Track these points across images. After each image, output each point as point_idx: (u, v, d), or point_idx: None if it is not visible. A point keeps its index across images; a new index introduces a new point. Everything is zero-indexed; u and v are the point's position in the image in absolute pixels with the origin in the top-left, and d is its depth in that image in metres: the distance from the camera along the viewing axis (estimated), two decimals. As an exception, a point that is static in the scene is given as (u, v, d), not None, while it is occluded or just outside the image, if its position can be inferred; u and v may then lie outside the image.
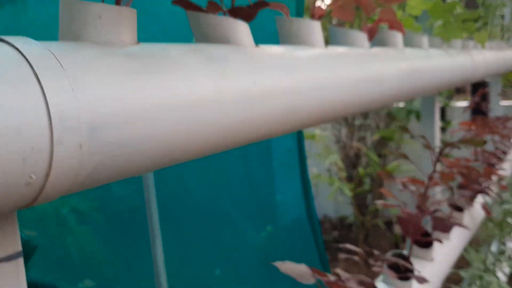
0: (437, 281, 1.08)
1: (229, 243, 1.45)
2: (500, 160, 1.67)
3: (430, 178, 1.01)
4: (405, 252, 1.00)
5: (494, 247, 1.51)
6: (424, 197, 0.98)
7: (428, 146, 1.03)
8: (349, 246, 0.83)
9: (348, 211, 3.19)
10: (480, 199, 1.43)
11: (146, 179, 1.09)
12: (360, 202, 3.09)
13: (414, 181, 1.01)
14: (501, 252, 1.43)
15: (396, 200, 0.97)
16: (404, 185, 1.00)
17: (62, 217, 1.69)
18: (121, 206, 1.52)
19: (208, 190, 1.42)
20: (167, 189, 1.34)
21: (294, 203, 1.45)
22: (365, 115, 3.13)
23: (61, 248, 1.60)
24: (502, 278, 1.39)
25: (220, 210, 1.42)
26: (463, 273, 1.22)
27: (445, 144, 1.02)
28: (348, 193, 2.88)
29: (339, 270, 0.66)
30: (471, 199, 1.37)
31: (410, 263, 0.92)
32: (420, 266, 1.02)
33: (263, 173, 1.49)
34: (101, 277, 1.50)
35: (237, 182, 1.42)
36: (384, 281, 0.92)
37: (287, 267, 0.64)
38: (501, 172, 1.52)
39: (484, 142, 1.10)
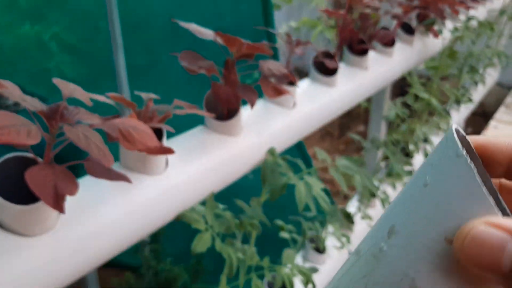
0: (371, 88, 1.19)
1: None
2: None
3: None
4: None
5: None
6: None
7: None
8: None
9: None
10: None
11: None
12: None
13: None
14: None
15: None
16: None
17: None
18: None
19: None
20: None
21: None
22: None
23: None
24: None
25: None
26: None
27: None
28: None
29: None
30: (428, 26, 1.42)
31: (336, 61, 1.02)
32: (351, 71, 1.12)
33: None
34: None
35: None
36: (312, 78, 1.04)
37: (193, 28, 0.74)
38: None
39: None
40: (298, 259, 1.24)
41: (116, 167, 0.66)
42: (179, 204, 0.70)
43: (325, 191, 1.76)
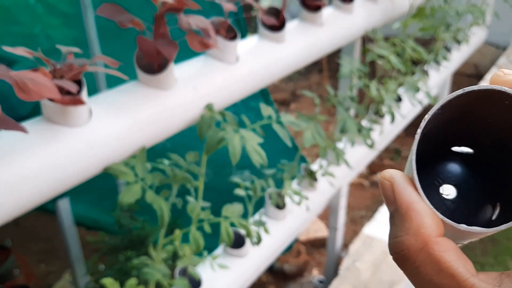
0: (327, 46, 1.18)
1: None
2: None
3: None
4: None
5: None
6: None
7: None
8: None
9: None
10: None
11: None
12: None
13: None
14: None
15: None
16: None
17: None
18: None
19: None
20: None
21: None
22: None
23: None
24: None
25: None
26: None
27: None
28: None
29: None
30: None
31: (282, 17, 1.02)
32: (303, 28, 1.11)
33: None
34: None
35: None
36: (260, 34, 1.03)
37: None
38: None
39: None
40: (259, 215, 1.27)
41: (38, 120, 0.68)
42: (105, 156, 0.72)
43: (294, 146, 1.76)
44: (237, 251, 1.12)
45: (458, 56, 2.16)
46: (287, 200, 1.28)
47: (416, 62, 1.74)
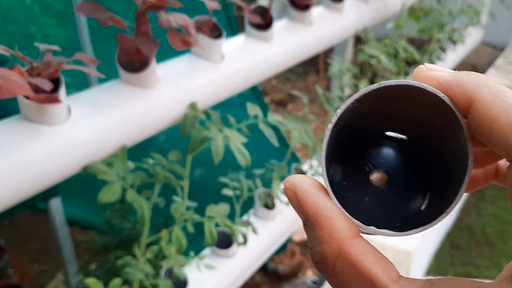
0: (316, 45, 1.18)
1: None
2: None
3: None
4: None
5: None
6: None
7: None
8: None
9: None
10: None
11: None
12: None
13: None
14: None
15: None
16: None
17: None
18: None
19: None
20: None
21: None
22: None
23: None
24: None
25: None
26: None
27: None
28: None
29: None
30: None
31: (270, 15, 1.01)
32: (292, 27, 1.11)
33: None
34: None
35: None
36: (247, 33, 1.03)
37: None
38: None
39: None
40: (247, 216, 1.26)
41: (15, 118, 0.67)
42: (84, 155, 0.72)
43: (285, 145, 1.76)
44: (224, 251, 1.11)
45: (453, 57, 2.15)
46: (277, 200, 1.27)
47: (410, 63, 1.74)
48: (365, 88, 0.24)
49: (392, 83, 0.23)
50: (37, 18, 1.85)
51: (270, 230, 1.25)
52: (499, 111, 0.21)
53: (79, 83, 1.60)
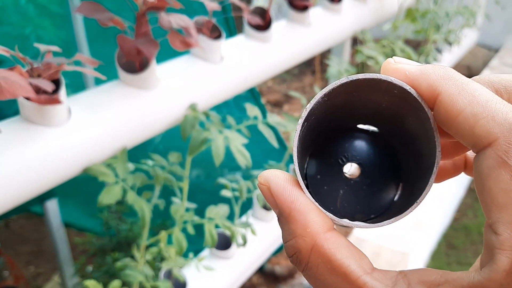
0: (315, 46, 1.18)
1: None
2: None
3: None
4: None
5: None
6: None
7: None
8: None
9: None
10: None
11: None
12: None
13: None
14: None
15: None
16: None
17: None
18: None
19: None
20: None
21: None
22: None
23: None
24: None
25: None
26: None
27: None
28: None
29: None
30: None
31: (270, 18, 1.01)
32: (290, 28, 1.11)
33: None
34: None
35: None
36: (246, 34, 1.03)
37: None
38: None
39: None
40: (247, 217, 1.26)
41: (16, 119, 0.67)
42: (84, 157, 0.71)
43: (283, 146, 1.76)
44: (223, 252, 1.11)
45: (449, 58, 2.16)
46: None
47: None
48: (334, 82, 0.24)
49: (360, 77, 0.23)
50: (32, 19, 1.84)
51: (268, 231, 1.25)
52: (463, 103, 0.22)
53: (76, 84, 1.59)
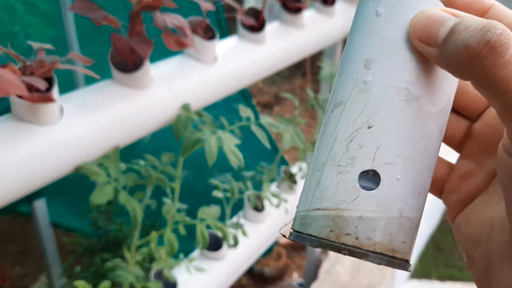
0: (308, 48, 1.18)
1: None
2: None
3: None
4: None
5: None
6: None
7: None
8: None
9: None
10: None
11: None
12: None
13: None
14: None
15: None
16: None
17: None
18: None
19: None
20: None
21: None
22: None
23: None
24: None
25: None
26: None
27: None
28: None
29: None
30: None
31: (264, 19, 1.01)
32: (284, 30, 1.11)
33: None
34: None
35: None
36: (240, 35, 1.03)
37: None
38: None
39: None
40: (237, 218, 1.26)
41: (7, 117, 0.66)
42: (76, 156, 0.70)
43: (274, 147, 1.76)
44: (214, 253, 1.11)
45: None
46: (266, 202, 1.27)
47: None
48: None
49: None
50: (21, 16, 1.81)
51: (259, 232, 1.25)
52: None
53: (66, 83, 1.58)
